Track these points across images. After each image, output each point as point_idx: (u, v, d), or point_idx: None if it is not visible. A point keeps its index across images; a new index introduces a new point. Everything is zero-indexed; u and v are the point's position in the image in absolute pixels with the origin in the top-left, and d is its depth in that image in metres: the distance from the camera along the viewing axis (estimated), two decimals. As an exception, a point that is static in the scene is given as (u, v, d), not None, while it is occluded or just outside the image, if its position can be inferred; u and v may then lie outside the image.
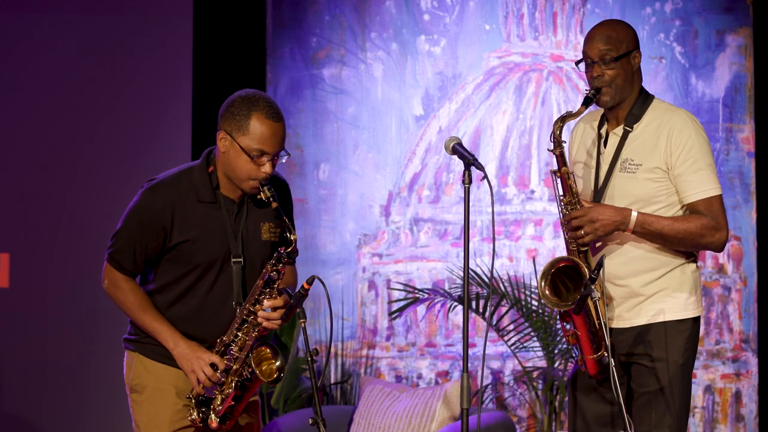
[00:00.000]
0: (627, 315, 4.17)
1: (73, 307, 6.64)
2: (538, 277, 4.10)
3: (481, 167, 3.86)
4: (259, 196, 3.87)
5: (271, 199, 3.83)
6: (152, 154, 6.85)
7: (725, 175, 6.82)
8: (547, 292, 4.08)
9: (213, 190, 3.91)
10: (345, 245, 7.00)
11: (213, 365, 3.87)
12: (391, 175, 7.01)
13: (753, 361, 6.79)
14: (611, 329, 4.17)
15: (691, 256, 4.20)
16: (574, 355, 4.22)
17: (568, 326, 4.12)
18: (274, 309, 3.86)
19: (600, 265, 3.92)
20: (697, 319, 4.19)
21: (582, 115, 4.24)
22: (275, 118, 3.83)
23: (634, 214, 4.09)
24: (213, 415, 3.90)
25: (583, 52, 4.19)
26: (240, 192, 3.92)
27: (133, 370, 3.97)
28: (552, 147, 4.15)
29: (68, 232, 6.66)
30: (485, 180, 3.87)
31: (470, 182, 3.90)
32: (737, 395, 6.79)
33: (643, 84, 4.26)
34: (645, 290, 4.16)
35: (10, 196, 6.68)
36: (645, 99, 4.22)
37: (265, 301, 3.86)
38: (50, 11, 6.75)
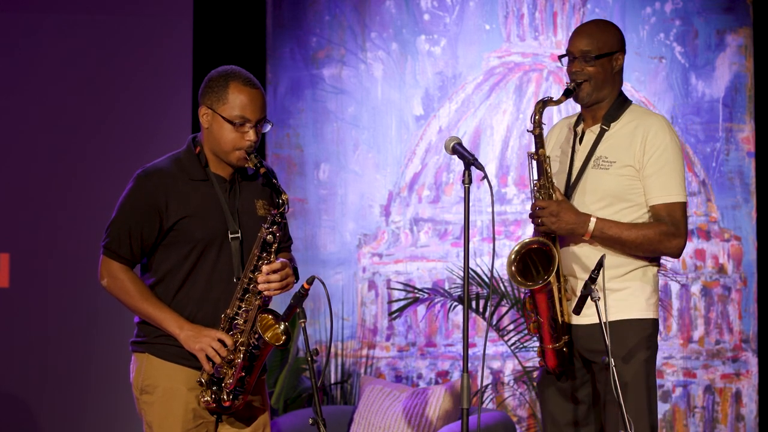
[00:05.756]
0: (588, 311, 4.12)
1: (73, 307, 6.64)
2: (508, 258, 4.08)
3: (481, 167, 3.87)
4: (246, 165, 3.93)
5: (258, 164, 3.90)
6: (152, 154, 6.82)
7: (725, 175, 6.82)
8: (513, 269, 4.07)
9: (203, 168, 3.98)
10: (345, 245, 7.00)
11: (220, 341, 3.88)
12: (391, 175, 7.01)
13: (753, 361, 6.79)
14: (571, 325, 4.18)
15: (654, 259, 4.21)
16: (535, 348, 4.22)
17: (532, 314, 4.12)
18: (274, 273, 3.88)
19: (600, 264, 3.92)
20: (655, 321, 4.19)
21: (560, 104, 4.28)
22: (252, 85, 3.93)
23: (593, 220, 4.11)
24: (224, 394, 3.89)
25: (567, 48, 4.26)
26: (230, 169, 3.99)
27: (144, 372, 3.96)
28: (531, 128, 4.17)
29: (68, 232, 6.65)
30: (485, 180, 3.88)
31: (470, 182, 3.91)
32: (737, 395, 6.79)
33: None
34: (607, 286, 4.15)
35: (10, 196, 6.68)
36: (623, 102, 4.26)
37: (263, 266, 3.88)
38: (50, 11, 6.75)
